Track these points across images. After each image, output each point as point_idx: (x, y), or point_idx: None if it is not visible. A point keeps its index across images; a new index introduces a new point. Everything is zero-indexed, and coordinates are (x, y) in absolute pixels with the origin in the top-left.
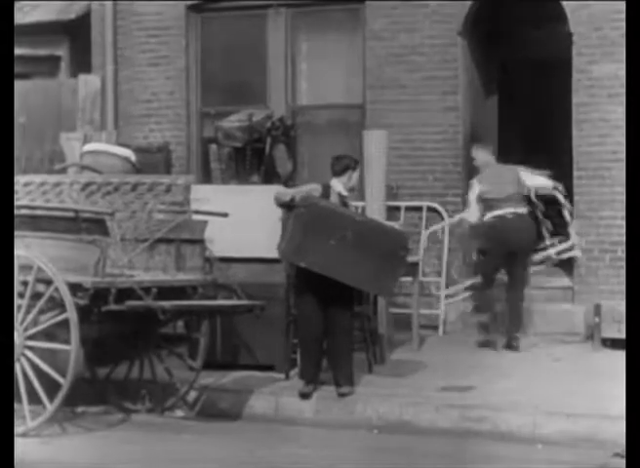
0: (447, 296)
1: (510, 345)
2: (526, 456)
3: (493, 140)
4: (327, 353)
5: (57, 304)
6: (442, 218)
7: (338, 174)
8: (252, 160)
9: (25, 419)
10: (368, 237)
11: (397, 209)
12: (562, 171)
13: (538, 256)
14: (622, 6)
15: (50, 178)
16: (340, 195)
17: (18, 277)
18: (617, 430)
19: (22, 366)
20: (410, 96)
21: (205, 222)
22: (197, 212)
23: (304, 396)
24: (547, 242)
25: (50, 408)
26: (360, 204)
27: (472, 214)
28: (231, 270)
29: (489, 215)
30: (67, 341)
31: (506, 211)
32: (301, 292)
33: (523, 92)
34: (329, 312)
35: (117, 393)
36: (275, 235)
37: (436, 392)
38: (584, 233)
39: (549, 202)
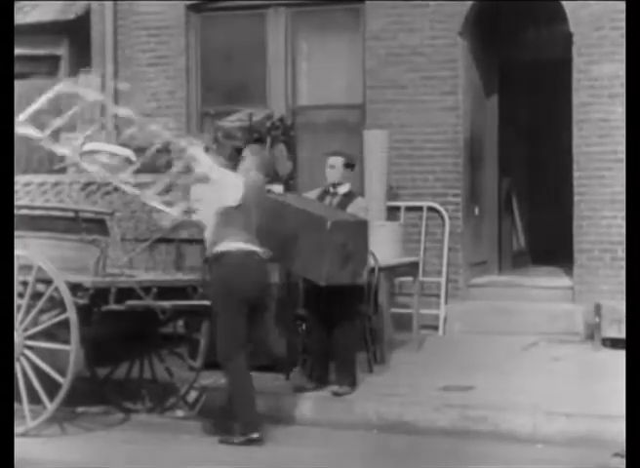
0: None
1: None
2: (526, 456)
3: (493, 140)
4: (330, 353)
5: (56, 304)
6: (442, 218)
7: None
8: None
9: (25, 419)
10: (303, 224)
11: (397, 209)
12: (562, 171)
13: None
14: (622, 6)
15: (49, 178)
16: (331, 194)
17: (17, 277)
18: (616, 430)
19: (22, 365)
20: (410, 96)
21: None
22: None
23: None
24: None
25: (50, 407)
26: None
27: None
28: None
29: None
30: (67, 341)
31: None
32: (307, 294)
33: (523, 92)
34: (332, 313)
35: (117, 393)
36: None
37: (436, 392)
38: None
39: None
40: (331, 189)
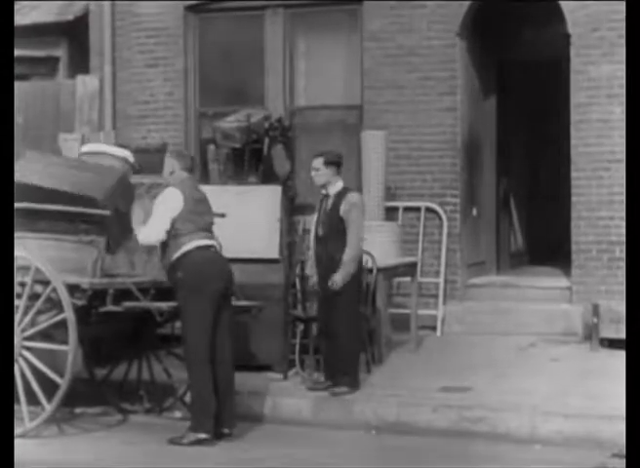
0: None
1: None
2: (524, 457)
3: (491, 141)
4: (333, 354)
5: (54, 305)
6: (440, 219)
7: None
8: (250, 160)
9: (24, 420)
10: None
11: (395, 209)
12: (560, 171)
13: None
14: (620, 6)
15: None
16: (325, 196)
17: (16, 278)
18: (615, 430)
19: (21, 366)
20: (408, 96)
21: None
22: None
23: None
24: None
25: (48, 408)
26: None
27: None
28: None
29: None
30: (65, 342)
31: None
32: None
33: (521, 92)
34: (333, 313)
35: (115, 394)
36: (273, 235)
37: (434, 392)
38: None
39: None
40: (323, 191)
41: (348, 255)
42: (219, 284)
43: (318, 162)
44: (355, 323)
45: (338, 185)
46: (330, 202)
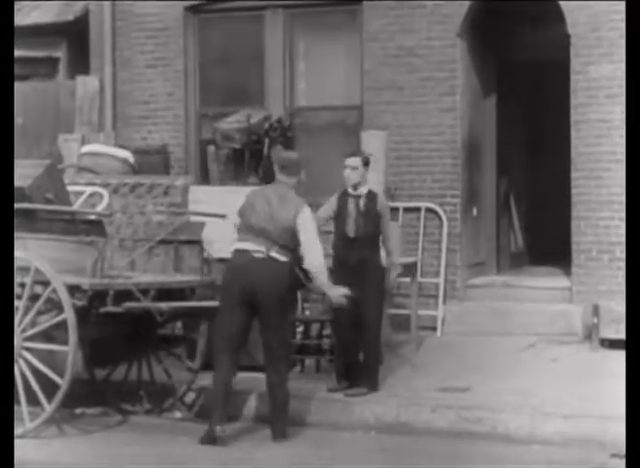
0: None
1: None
2: (523, 457)
3: (491, 141)
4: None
5: (54, 305)
6: (440, 219)
7: None
8: (250, 161)
9: (24, 421)
10: None
11: (395, 210)
12: (560, 171)
13: None
14: (620, 7)
15: None
16: (354, 196)
17: (16, 279)
18: (614, 431)
19: (21, 367)
20: (408, 97)
21: (203, 223)
22: (195, 213)
23: (332, 390)
24: None
25: (48, 409)
26: None
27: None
28: None
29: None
30: (65, 343)
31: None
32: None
33: (521, 93)
34: (360, 313)
35: (115, 394)
36: None
37: (434, 393)
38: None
39: None
40: (352, 191)
41: (397, 258)
42: (235, 291)
43: (356, 161)
44: (379, 325)
45: (366, 186)
46: (362, 202)
